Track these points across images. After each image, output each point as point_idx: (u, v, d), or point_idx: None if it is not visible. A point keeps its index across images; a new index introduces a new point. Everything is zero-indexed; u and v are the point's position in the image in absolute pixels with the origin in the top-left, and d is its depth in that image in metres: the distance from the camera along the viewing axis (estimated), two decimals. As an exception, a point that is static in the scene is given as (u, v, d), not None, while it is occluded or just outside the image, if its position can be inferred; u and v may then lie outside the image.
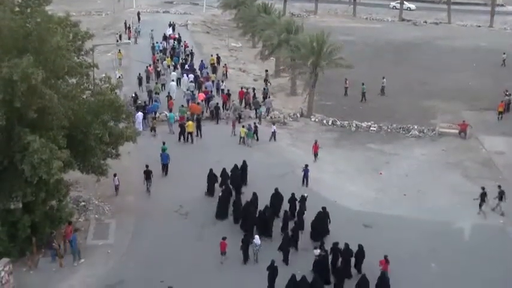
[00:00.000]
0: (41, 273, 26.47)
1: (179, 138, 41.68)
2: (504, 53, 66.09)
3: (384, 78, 54.61)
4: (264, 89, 51.81)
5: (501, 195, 32.70)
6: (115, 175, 33.20)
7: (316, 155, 39.53)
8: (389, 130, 45.48)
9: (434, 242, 29.69)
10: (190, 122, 42.76)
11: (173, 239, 29.53)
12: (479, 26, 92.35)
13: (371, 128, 45.78)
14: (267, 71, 58.38)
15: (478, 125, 45.94)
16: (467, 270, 27.39)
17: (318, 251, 26.56)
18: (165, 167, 36.60)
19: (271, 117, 46.85)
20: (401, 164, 39.17)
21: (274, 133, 42.48)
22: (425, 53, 71.43)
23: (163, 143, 37.87)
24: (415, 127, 45.56)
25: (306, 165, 35.67)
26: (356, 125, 46.19)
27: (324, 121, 46.99)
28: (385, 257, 26.30)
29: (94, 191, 33.58)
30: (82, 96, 29.60)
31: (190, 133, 42.06)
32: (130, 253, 28.34)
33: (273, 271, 25.17)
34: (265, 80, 56.29)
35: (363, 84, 52.38)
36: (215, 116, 46.10)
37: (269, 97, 50.37)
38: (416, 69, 62.87)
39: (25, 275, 26.16)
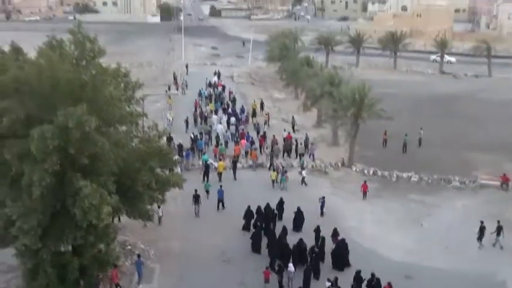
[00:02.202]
0: (87, 315, 26.64)
1: (203, 178, 42.49)
2: None
3: (421, 129, 54.22)
4: (307, 138, 51.96)
5: (499, 230, 33.45)
6: (159, 206, 33.85)
7: (365, 193, 40.88)
8: (430, 181, 44.73)
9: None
10: (221, 163, 44.29)
11: (216, 284, 29.49)
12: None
13: (412, 179, 45.11)
14: (293, 117, 59.71)
15: (520, 177, 44.77)
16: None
17: (328, 284, 27.58)
18: (220, 202, 38.40)
19: (312, 166, 46.83)
20: (442, 216, 38.26)
21: (303, 178, 42.98)
22: (466, 106, 70.52)
23: (207, 181, 40.96)
24: (456, 178, 44.72)
25: (323, 197, 38.02)
26: (396, 175, 45.64)
27: (365, 171, 46.54)
28: (389, 283, 27.53)
29: (140, 236, 33.82)
30: (131, 143, 30.15)
31: (220, 173, 43.15)
32: (174, 298, 28.33)
33: None
34: (292, 126, 57.55)
35: (406, 135, 51.93)
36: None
37: (312, 144, 50.87)
38: (457, 121, 62.19)
39: (72, 317, 26.32)
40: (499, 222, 34.02)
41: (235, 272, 30.59)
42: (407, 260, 32.20)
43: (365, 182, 41.93)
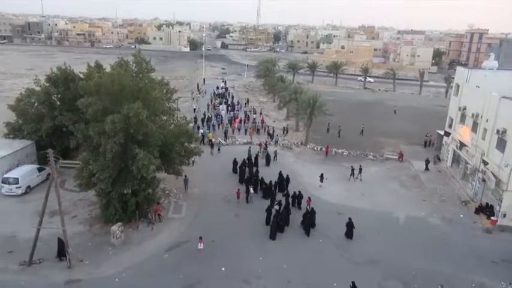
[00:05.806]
0: (140, 233, 26.73)
1: (200, 142, 43.12)
2: (395, 106, 69.21)
3: (363, 124, 54.14)
4: (284, 128, 52.12)
5: (360, 170, 37.55)
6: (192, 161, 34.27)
7: (327, 153, 43.02)
8: (354, 155, 44.85)
9: (380, 224, 29.29)
10: (210, 134, 46.32)
11: (221, 215, 29.58)
12: (413, 93, 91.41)
13: (344, 153, 45.19)
14: (261, 108, 62.26)
15: (410, 154, 45.08)
16: (399, 241, 26.98)
17: (277, 205, 29.69)
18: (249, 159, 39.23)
19: (282, 144, 46.71)
20: (362, 176, 38.40)
21: (266, 146, 43.81)
22: (379, 108, 70.66)
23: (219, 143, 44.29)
24: (371, 153, 44.95)
25: (266, 146, 42.84)
26: (335, 150, 45.67)
27: (315, 148, 46.62)
28: (309, 197, 30.41)
29: (174, 185, 33.81)
30: (169, 127, 30.02)
31: (210, 140, 44.79)
32: (194, 223, 28.37)
33: (269, 210, 28.77)
34: (260, 114, 59.22)
35: (339, 126, 52.17)
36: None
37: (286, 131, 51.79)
38: (373, 117, 62.02)
39: (130, 234, 26.44)
40: (360, 165, 38.20)
41: (232, 208, 30.73)
42: (339, 202, 32.48)
43: (328, 146, 44.06)
